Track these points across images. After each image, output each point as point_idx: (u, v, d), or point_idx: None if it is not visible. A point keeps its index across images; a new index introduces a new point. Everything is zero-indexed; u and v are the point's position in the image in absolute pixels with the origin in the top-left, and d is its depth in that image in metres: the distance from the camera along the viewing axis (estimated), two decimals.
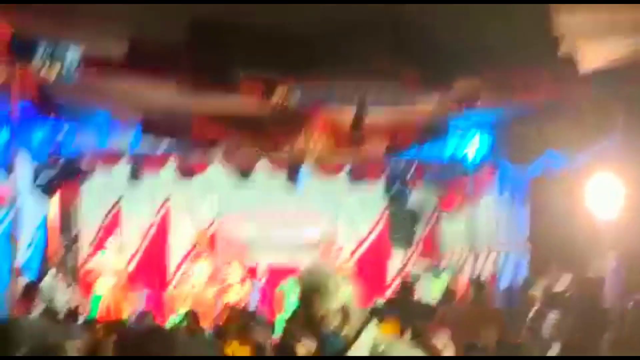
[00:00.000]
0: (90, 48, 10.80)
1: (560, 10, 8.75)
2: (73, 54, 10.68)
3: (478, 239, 17.18)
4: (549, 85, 10.50)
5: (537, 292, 13.30)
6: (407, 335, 12.43)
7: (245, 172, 17.76)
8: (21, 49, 10.16)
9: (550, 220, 14.23)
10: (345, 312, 3.94)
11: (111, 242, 18.47)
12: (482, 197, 17.31)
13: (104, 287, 17.97)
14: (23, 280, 14.69)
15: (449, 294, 14.89)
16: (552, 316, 12.34)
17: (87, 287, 18.85)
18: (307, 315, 3.96)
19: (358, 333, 3.94)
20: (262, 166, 18.76)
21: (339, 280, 4.01)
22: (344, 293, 3.99)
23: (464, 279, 17.39)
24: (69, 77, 11.44)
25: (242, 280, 18.78)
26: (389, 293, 19.31)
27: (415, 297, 16.45)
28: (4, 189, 16.22)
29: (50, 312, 14.56)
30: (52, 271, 16.99)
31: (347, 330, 3.92)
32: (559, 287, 13.21)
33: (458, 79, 9.87)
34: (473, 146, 16.44)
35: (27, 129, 16.02)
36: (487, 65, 9.54)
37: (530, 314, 13.07)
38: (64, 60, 10.61)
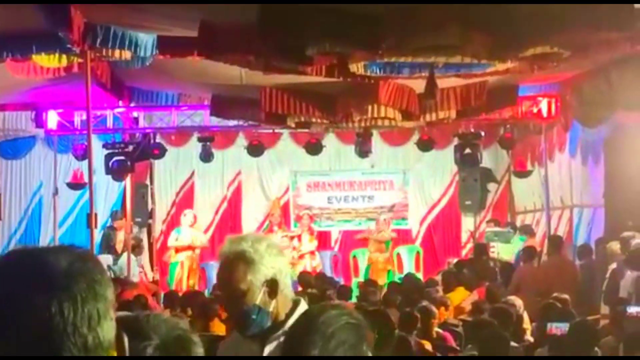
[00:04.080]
0: (162, 31, 10.92)
1: None
2: (145, 39, 10.80)
3: (552, 198, 17.09)
4: (621, 40, 10.35)
5: (615, 246, 13.19)
6: (474, 296, 12.58)
7: (315, 144, 17.87)
8: (94, 37, 10.30)
9: (625, 177, 14.12)
10: (272, 285, 3.50)
11: (185, 218, 18.68)
12: (555, 156, 17.23)
13: (180, 262, 18.22)
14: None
15: (528, 252, 14.84)
16: (630, 273, 12.27)
17: (162, 264, 19.27)
18: (227, 290, 3.57)
19: (294, 306, 3.58)
20: (332, 138, 18.94)
21: (264, 250, 3.51)
22: (272, 264, 3.51)
23: (539, 238, 17.40)
24: (141, 62, 11.60)
25: (315, 249, 18.99)
26: (463, 254, 19.45)
27: (490, 257, 16.55)
28: (80, 172, 16.59)
29: None
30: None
31: (275, 305, 3.51)
32: (636, 244, 13.06)
33: (529, 44, 9.79)
34: (543, 107, 16.37)
35: (99, 114, 16.33)
36: (558, 28, 9.44)
37: (609, 271, 12.99)
38: (136, 45, 10.74)
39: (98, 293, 1.70)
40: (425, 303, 10.13)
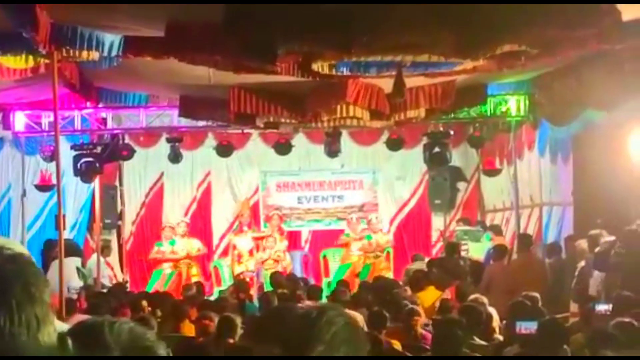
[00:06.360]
0: (129, 32, 10.85)
1: None
2: (112, 40, 10.73)
3: (521, 196, 17.13)
4: (589, 37, 10.39)
5: (584, 244, 13.24)
6: (446, 295, 12.62)
7: (284, 145, 17.83)
8: (61, 38, 10.21)
9: (594, 175, 14.17)
10: None
11: (178, 228, 18.66)
12: (524, 154, 17.29)
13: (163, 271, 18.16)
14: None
15: (498, 250, 14.87)
16: (598, 272, 12.33)
17: (133, 266, 19.23)
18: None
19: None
20: (302, 138, 18.90)
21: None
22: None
23: (509, 236, 17.46)
24: (108, 62, 11.51)
25: (285, 249, 18.96)
26: (434, 253, 19.48)
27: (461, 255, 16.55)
28: (49, 174, 16.46)
29: (92, 288, 14.82)
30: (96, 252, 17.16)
31: None
32: (604, 242, 13.11)
33: (497, 43, 9.81)
34: (512, 105, 16.42)
35: (67, 115, 16.22)
36: (526, 26, 9.47)
37: (578, 269, 13.05)
38: (103, 46, 10.65)
39: (34, 296, 1.55)
40: (410, 305, 10.22)
